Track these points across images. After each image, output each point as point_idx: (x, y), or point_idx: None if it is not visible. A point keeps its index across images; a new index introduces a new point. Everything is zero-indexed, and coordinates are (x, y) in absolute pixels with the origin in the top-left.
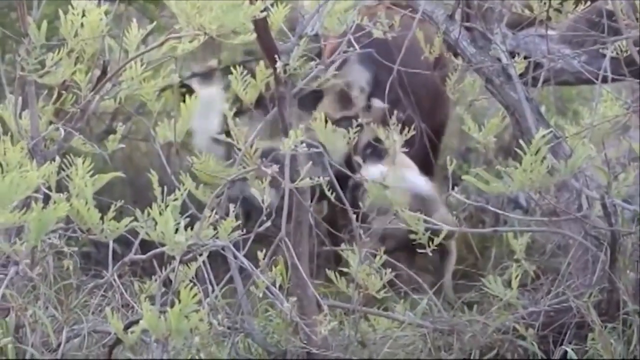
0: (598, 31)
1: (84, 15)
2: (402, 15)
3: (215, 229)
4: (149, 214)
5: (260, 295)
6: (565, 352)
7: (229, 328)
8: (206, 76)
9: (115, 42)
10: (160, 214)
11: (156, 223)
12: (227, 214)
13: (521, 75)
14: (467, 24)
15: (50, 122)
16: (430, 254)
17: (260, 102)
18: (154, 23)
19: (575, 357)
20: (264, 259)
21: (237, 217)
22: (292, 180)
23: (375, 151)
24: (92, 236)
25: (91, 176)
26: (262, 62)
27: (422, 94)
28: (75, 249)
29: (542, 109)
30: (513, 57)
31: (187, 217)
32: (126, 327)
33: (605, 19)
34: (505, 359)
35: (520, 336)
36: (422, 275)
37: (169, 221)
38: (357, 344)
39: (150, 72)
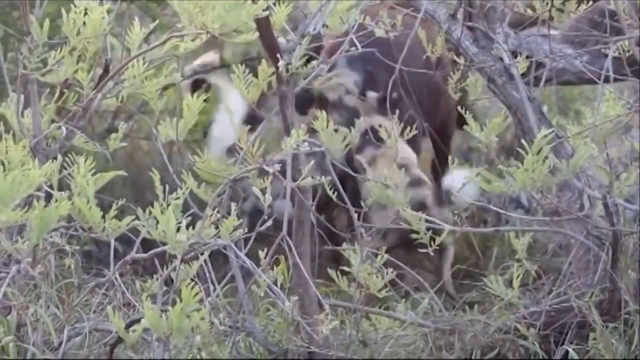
0: (600, 31)
1: (86, 13)
2: (404, 15)
3: (216, 228)
4: (150, 212)
5: (262, 294)
6: (567, 351)
7: (230, 327)
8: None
9: (118, 41)
10: (161, 212)
11: (158, 222)
12: (229, 213)
13: (523, 75)
14: (470, 24)
15: (52, 121)
16: (432, 254)
17: (262, 103)
18: (156, 22)
19: (577, 357)
20: (265, 258)
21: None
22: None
23: (374, 138)
24: (94, 235)
25: (93, 175)
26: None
27: (423, 93)
28: (77, 247)
29: (544, 108)
30: (515, 57)
31: (188, 216)
32: (127, 326)
33: (607, 18)
34: (507, 358)
35: (521, 336)
36: (423, 274)
37: (171, 220)
38: (359, 344)
39: (152, 70)
